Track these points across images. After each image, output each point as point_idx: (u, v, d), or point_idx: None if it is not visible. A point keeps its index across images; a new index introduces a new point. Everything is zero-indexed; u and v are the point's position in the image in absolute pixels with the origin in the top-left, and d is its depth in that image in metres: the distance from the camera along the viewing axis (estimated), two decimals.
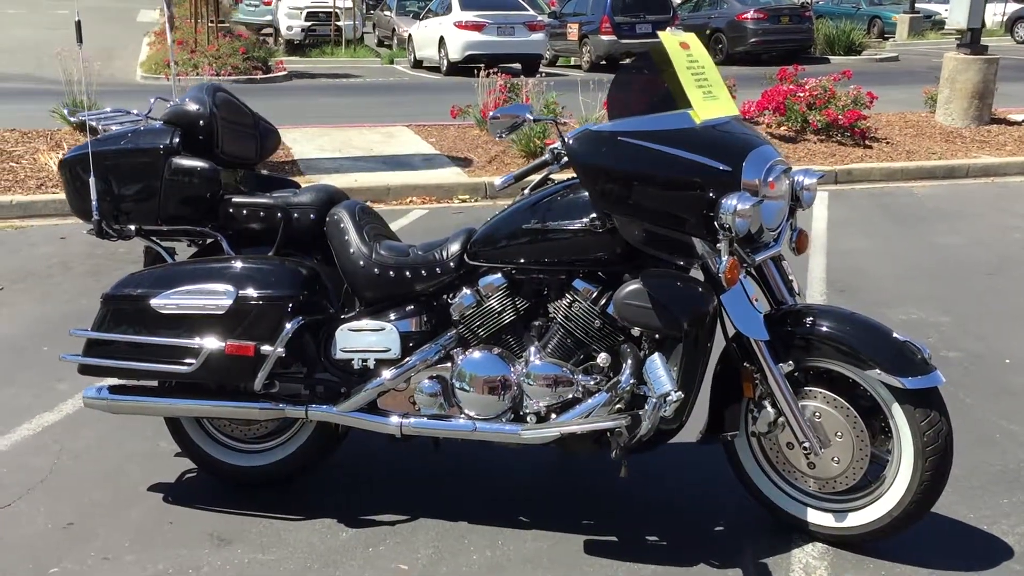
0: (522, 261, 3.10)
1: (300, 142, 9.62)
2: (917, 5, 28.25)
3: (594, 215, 2.99)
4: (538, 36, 19.20)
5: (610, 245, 3.01)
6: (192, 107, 3.30)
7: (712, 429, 3.17)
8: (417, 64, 20.93)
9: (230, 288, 3.09)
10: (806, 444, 3.01)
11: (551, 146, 3.14)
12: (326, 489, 3.46)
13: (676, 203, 2.90)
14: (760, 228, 2.98)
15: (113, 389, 3.29)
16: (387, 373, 3.14)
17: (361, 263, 3.20)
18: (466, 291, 3.16)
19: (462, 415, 3.13)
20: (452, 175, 8.64)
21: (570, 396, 3.05)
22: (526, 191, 3.18)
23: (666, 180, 2.90)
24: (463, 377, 3.10)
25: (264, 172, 3.74)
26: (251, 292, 3.09)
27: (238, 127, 3.49)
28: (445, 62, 19.05)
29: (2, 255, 6.45)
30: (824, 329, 2.97)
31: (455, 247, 3.20)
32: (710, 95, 3.09)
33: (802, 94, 10.41)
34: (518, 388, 3.08)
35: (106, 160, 3.29)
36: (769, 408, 3.05)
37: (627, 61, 3.47)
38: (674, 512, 3.33)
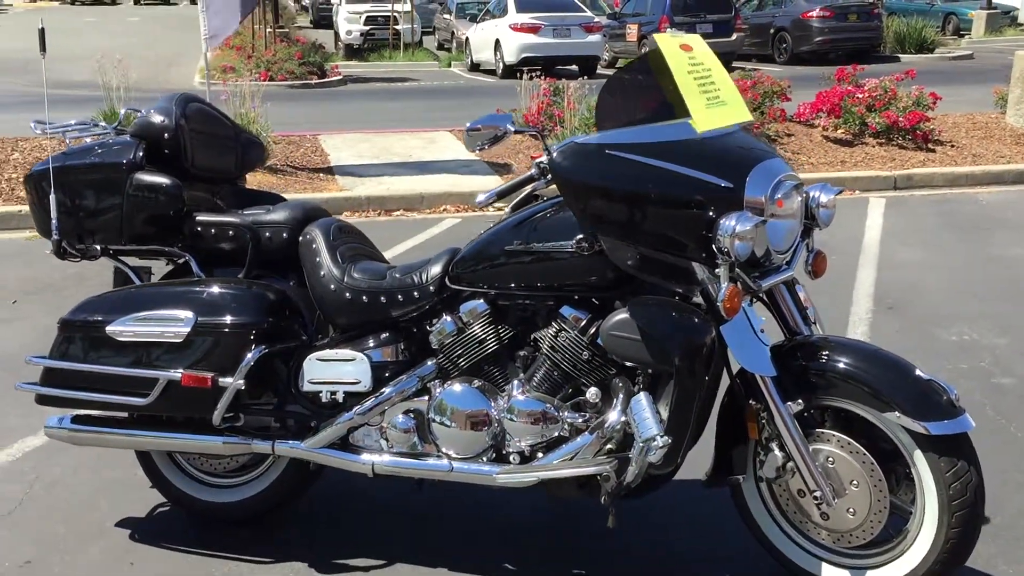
0: (505, 285, 2.83)
1: (340, 148, 9.45)
2: (995, 0, 27.18)
3: (581, 236, 2.71)
4: (595, 38, 18.88)
5: (600, 269, 2.72)
6: (156, 119, 3.10)
7: (718, 471, 2.86)
8: (474, 67, 20.76)
9: (189, 314, 2.88)
10: (817, 493, 2.69)
11: (537, 160, 2.86)
12: (300, 528, 3.23)
13: (670, 224, 2.61)
14: (767, 251, 2.68)
15: (76, 419, 3.10)
16: (357, 407, 2.90)
17: (332, 287, 2.95)
18: (446, 318, 2.90)
19: (439, 453, 2.87)
20: (490, 182, 8.38)
21: (556, 435, 2.77)
22: (506, 209, 2.91)
23: (658, 198, 2.60)
24: (440, 412, 2.84)
25: (247, 187, 3.52)
26: (210, 319, 2.87)
27: (213, 139, 3.28)
28: (501, 65, 18.82)
29: (19, 266, 6.38)
30: (838, 364, 2.64)
31: (436, 269, 2.94)
32: (716, 101, 2.78)
33: (861, 95, 9.95)
34: (499, 425, 2.81)
35: (69, 175, 3.11)
36: (777, 451, 2.73)
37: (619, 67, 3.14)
38: (675, 560, 3.03)
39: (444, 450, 2.86)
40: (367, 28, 23.17)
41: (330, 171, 8.66)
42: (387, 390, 2.89)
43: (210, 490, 3.22)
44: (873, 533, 2.70)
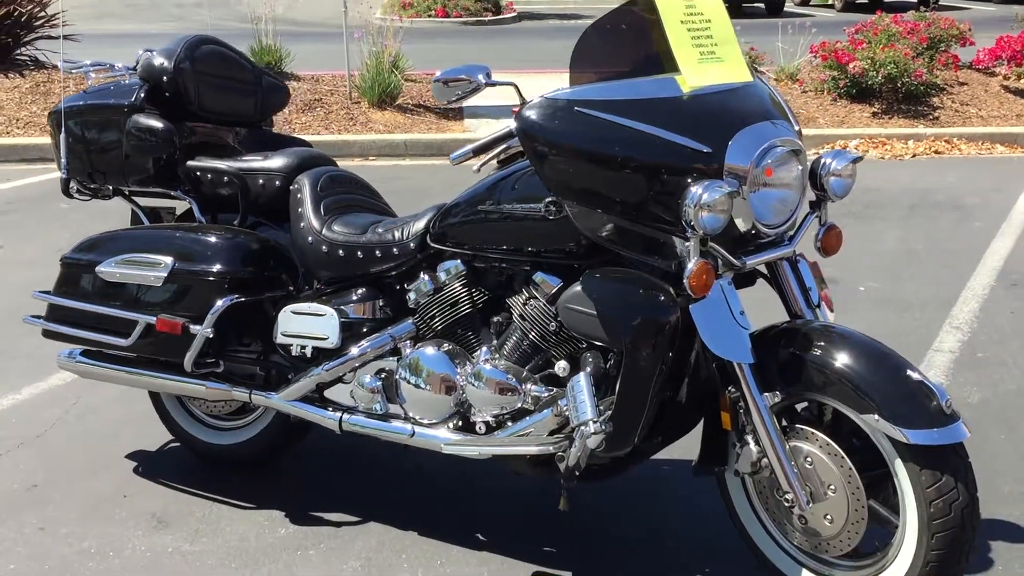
0: (481, 246, 2.70)
1: None
2: None
3: (550, 199, 2.53)
4: None
5: (570, 235, 2.53)
6: (157, 61, 3.10)
7: (703, 460, 2.64)
8: None
9: (168, 260, 2.89)
10: (789, 495, 2.43)
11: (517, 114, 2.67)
12: (294, 477, 3.25)
13: (639, 192, 2.38)
14: (754, 225, 2.41)
15: (85, 353, 3.19)
16: (326, 363, 2.84)
17: (309, 239, 2.89)
18: (424, 276, 2.79)
19: (403, 416, 2.78)
20: None
21: (519, 407, 2.62)
22: (474, 165, 2.72)
23: (625, 162, 2.37)
24: (407, 373, 2.74)
25: (271, 130, 3.49)
26: (185, 265, 2.88)
27: (227, 82, 3.25)
28: None
29: None
30: (822, 356, 2.36)
31: (419, 226, 2.82)
32: (711, 56, 2.52)
33: None
34: (464, 391, 2.68)
35: (82, 115, 3.17)
36: (752, 445, 2.47)
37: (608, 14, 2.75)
38: (653, 549, 2.83)
39: (409, 413, 2.76)
40: None
41: (460, 112, 8.60)
42: (355, 348, 2.82)
43: (208, 431, 3.28)
44: (851, 544, 2.42)
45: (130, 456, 3.38)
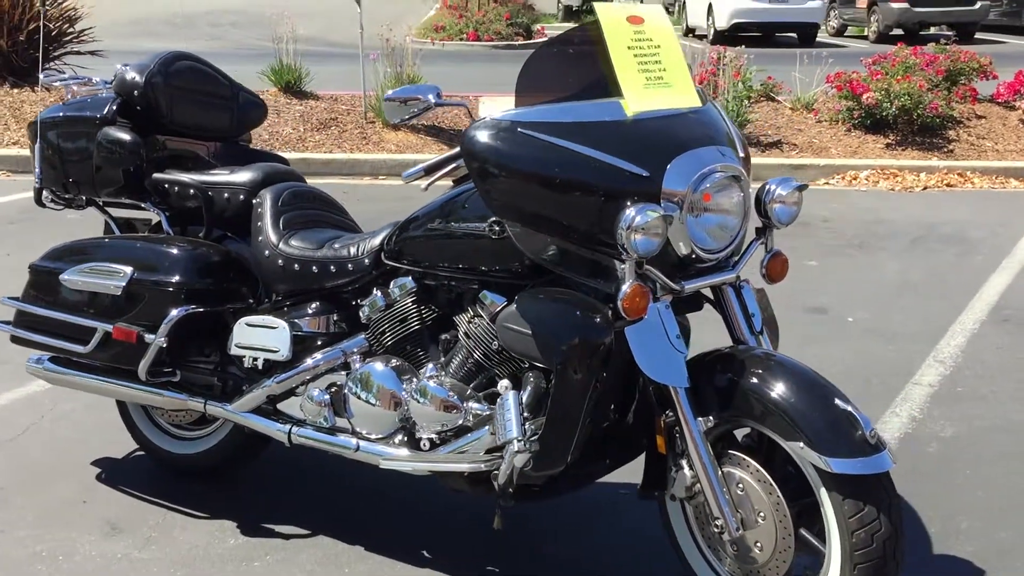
0: (431, 264, 2.72)
1: (487, 107, 9.44)
2: None
3: (494, 219, 2.55)
4: (815, 3, 17.91)
5: (514, 255, 2.54)
6: (129, 76, 3.17)
7: (645, 484, 2.64)
8: (688, 32, 20.15)
9: (128, 269, 2.95)
10: (719, 521, 2.42)
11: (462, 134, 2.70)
12: (253, 487, 3.28)
13: (579, 214, 2.39)
14: (693, 249, 2.41)
15: (53, 360, 3.25)
16: (277, 375, 2.88)
17: (266, 253, 2.94)
18: (377, 292, 2.82)
19: (350, 430, 2.81)
20: None
21: (460, 424, 2.63)
22: (422, 184, 2.75)
23: (564, 184, 2.39)
24: (354, 387, 2.77)
25: (248, 145, 3.55)
26: (143, 275, 2.93)
27: (202, 97, 3.31)
28: (712, 30, 18.18)
29: None
30: (755, 382, 2.36)
31: (375, 243, 2.86)
32: (658, 82, 2.53)
33: None
34: (408, 407, 2.71)
35: (58, 127, 3.25)
36: (687, 470, 2.47)
37: (559, 35, 2.75)
38: (594, 571, 2.83)
39: (356, 427, 2.79)
40: None
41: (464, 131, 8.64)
42: (308, 360, 2.85)
43: (170, 440, 3.33)
44: (780, 572, 2.40)
45: (95, 463, 3.43)
